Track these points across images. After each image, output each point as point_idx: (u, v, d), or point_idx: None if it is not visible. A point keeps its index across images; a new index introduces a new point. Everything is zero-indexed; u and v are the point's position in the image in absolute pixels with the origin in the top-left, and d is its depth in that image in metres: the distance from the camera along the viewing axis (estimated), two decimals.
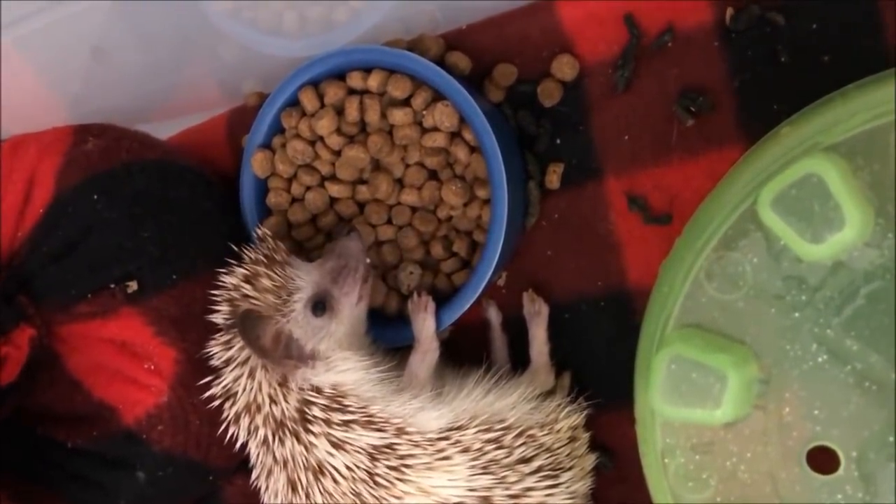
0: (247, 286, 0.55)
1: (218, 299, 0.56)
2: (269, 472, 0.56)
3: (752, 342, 0.47)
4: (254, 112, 0.63)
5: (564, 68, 0.62)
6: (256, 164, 0.63)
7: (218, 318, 0.56)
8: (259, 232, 0.58)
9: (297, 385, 0.55)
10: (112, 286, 0.58)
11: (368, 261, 0.58)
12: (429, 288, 0.62)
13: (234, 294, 0.56)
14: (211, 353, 0.57)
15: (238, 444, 0.56)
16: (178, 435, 0.59)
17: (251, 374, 0.55)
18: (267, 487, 0.56)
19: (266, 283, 0.55)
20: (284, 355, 0.55)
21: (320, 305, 0.56)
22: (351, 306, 0.57)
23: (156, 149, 0.63)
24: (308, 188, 0.63)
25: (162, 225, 0.59)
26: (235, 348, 0.56)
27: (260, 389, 0.55)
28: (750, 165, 0.50)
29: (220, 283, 0.56)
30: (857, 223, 0.44)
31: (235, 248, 0.57)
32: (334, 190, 0.62)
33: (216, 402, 0.56)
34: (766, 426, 0.47)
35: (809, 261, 0.46)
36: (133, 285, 0.58)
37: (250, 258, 0.56)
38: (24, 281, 0.59)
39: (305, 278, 0.56)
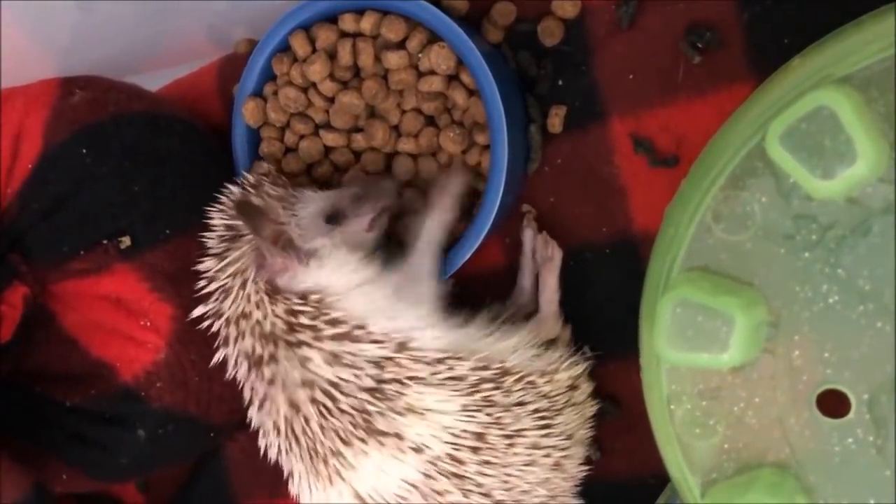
0: (251, 190, 0.55)
1: (217, 210, 0.55)
2: (264, 400, 0.55)
3: (760, 284, 0.46)
4: (244, 60, 0.62)
5: (566, 5, 0.60)
6: (248, 112, 0.61)
7: (216, 220, 0.55)
8: (264, 166, 0.58)
9: (285, 290, 0.54)
10: (104, 242, 0.58)
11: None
12: None
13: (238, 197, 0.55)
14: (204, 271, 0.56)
15: (230, 372, 0.56)
16: (177, 392, 0.59)
17: (242, 286, 0.54)
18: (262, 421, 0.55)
19: (271, 191, 0.55)
20: (279, 252, 0.54)
21: (332, 217, 0.56)
22: (359, 228, 0.56)
23: (144, 100, 0.62)
24: (302, 137, 0.61)
25: (153, 178, 0.59)
26: (228, 260, 0.54)
27: (248, 300, 0.54)
28: (758, 100, 0.48)
29: (223, 192, 0.56)
30: (871, 157, 0.43)
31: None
32: (329, 139, 0.61)
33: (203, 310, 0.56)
34: (774, 370, 0.46)
35: (820, 198, 0.44)
36: (126, 241, 0.58)
37: (261, 171, 0.57)
38: (15, 239, 0.59)
39: (317, 195, 0.56)
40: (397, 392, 0.52)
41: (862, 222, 0.44)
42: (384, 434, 0.52)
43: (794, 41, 0.55)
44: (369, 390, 0.52)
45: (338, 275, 0.55)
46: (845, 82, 0.44)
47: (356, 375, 0.52)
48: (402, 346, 0.53)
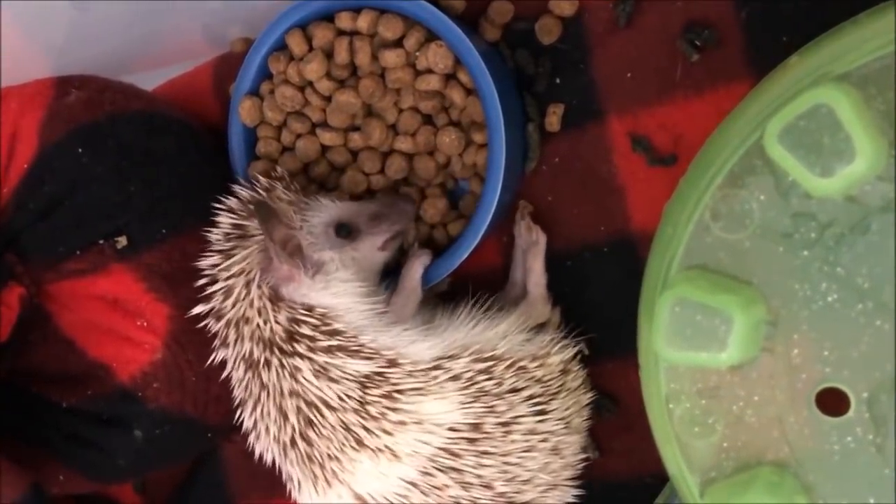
0: (263, 193, 0.55)
1: (225, 209, 0.55)
2: (257, 403, 0.55)
3: (759, 283, 0.46)
4: (240, 59, 0.62)
5: (563, 4, 0.60)
6: (244, 111, 0.61)
7: (223, 221, 0.55)
8: (279, 170, 0.58)
9: (288, 300, 0.53)
10: (101, 242, 0.58)
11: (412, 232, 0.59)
12: (425, 239, 0.61)
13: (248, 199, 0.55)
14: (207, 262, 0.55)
15: (219, 357, 0.55)
16: (174, 392, 0.59)
17: (246, 288, 0.54)
18: (255, 423, 0.55)
19: (283, 195, 0.55)
20: (287, 259, 0.54)
21: (344, 229, 0.55)
22: (372, 247, 0.56)
23: (140, 99, 0.62)
24: (299, 136, 0.61)
25: (149, 178, 0.58)
26: (234, 258, 0.54)
27: (251, 305, 0.54)
28: (757, 98, 0.48)
29: (233, 192, 0.55)
30: (869, 155, 0.42)
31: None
32: (326, 138, 0.60)
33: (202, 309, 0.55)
34: (773, 369, 0.46)
35: (819, 196, 0.44)
36: (122, 241, 0.58)
37: (276, 176, 0.57)
38: (11, 239, 0.58)
39: (332, 204, 0.56)
40: (387, 409, 0.52)
41: (861, 220, 0.44)
42: (376, 449, 0.52)
43: (793, 39, 0.55)
44: (355, 410, 0.52)
45: (342, 294, 0.54)
46: (844, 80, 0.43)
47: (342, 393, 0.52)
48: (392, 363, 0.53)
